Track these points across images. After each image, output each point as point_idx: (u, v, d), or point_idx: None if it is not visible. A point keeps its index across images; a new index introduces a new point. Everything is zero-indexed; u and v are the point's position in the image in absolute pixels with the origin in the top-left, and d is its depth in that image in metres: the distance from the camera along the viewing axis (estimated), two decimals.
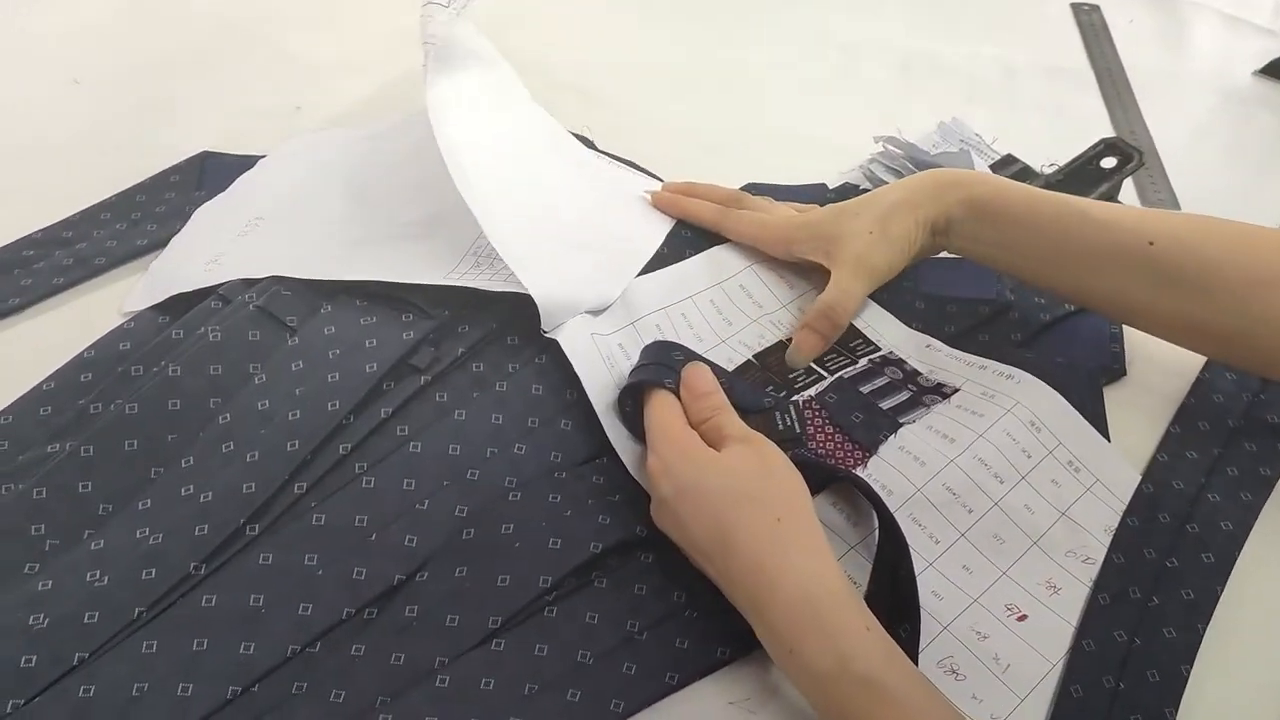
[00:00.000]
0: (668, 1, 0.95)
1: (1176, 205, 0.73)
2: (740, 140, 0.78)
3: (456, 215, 0.55)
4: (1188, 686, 0.45)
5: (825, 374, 0.56)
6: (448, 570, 0.46)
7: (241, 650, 0.42)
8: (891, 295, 0.61)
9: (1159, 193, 0.74)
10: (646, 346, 0.53)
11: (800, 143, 0.78)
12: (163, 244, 0.63)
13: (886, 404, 0.54)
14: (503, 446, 0.50)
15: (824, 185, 0.72)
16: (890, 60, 0.88)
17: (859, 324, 0.59)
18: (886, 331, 0.59)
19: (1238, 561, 0.50)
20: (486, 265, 0.56)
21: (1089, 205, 0.55)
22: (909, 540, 0.47)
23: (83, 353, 0.54)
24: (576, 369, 0.52)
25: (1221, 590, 0.48)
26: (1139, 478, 0.53)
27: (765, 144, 0.77)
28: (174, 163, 0.70)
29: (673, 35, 0.90)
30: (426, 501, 0.48)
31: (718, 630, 0.45)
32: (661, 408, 0.49)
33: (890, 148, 0.72)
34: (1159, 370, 0.59)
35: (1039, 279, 0.57)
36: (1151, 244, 0.51)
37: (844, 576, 0.42)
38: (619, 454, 0.50)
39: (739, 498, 0.44)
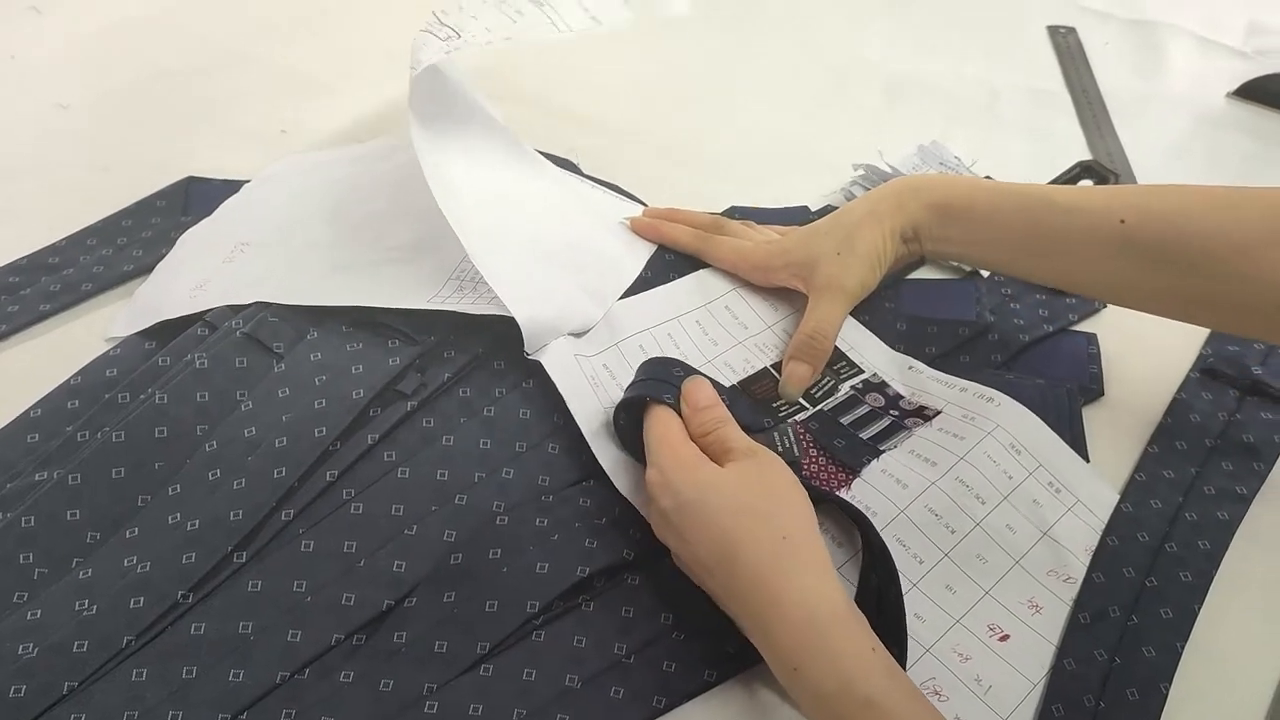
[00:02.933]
0: (654, 25, 0.95)
1: None
2: (726, 162, 0.78)
3: (440, 239, 0.56)
4: (1167, 704, 0.45)
5: (808, 405, 0.56)
6: (436, 596, 0.46)
7: (230, 678, 0.42)
8: (873, 317, 0.62)
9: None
10: (644, 363, 0.54)
11: (785, 164, 0.78)
12: (149, 270, 0.63)
13: (867, 433, 0.55)
14: (490, 471, 0.51)
15: (806, 208, 0.73)
16: (874, 82, 0.90)
17: (842, 346, 0.60)
18: (869, 353, 0.60)
19: (1215, 579, 0.51)
20: (470, 289, 0.56)
21: (1054, 191, 0.56)
22: (894, 560, 0.48)
23: (70, 380, 0.54)
24: (561, 390, 0.52)
25: (1199, 608, 0.49)
26: (1118, 497, 0.54)
27: (750, 165, 0.78)
28: (160, 187, 0.70)
29: (659, 58, 0.91)
30: (415, 527, 0.48)
31: (705, 653, 0.46)
32: (661, 422, 0.49)
33: (870, 172, 0.72)
34: (1136, 390, 0.60)
35: (1016, 270, 0.58)
36: (1122, 221, 0.52)
37: (847, 596, 0.43)
38: (608, 475, 0.51)
39: (744, 513, 0.44)
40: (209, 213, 0.67)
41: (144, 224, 0.67)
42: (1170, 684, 0.46)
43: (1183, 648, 0.48)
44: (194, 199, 0.70)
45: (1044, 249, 0.55)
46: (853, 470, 0.53)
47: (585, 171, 0.73)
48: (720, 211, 0.69)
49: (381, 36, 0.89)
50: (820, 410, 0.56)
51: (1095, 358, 0.62)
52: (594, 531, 0.48)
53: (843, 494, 0.51)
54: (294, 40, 0.89)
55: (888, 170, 0.71)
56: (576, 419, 0.52)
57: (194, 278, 0.60)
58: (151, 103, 0.80)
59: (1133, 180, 0.79)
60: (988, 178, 0.73)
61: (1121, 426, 0.58)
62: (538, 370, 0.54)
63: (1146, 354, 0.62)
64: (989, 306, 0.64)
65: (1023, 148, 0.82)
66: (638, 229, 0.65)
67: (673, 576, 0.47)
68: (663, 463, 0.47)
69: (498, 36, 0.56)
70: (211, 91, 0.82)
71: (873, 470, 0.53)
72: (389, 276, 0.58)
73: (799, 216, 0.72)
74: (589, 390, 0.53)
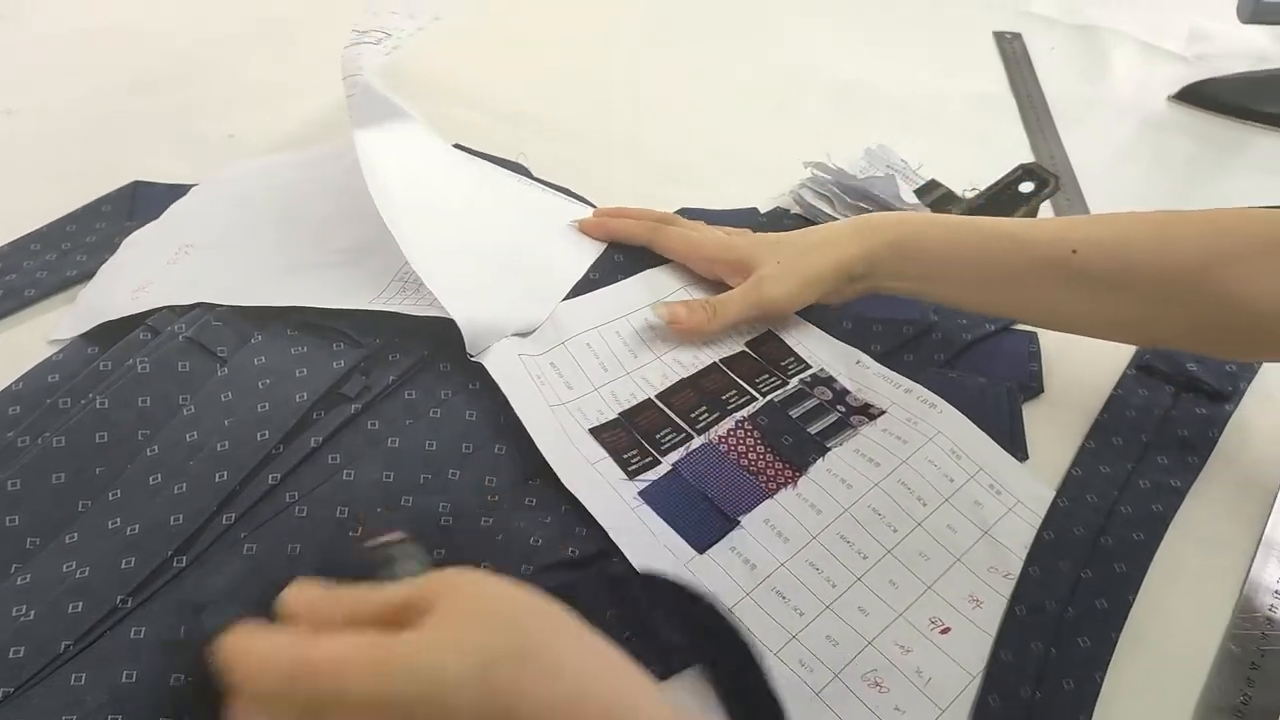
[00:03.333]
0: (606, 31, 0.96)
1: None
2: (677, 164, 0.79)
3: (384, 242, 0.56)
4: (1101, 694, 0.46)
5: (758, 395, 0.57)
6: None
7: (172, 682, 0.42)
8: (820, 316, 0.63)
9: (1077, 215, 0.77)
10: None
11: (736, 167, 0.79)
12: (93, 274, 0.63)
13: (815, 428, 0.56)
14: (436, 472, 0.51)
15: (756, 209, 0.74)
16: (824, 88, 0.91)
17: (791, 343, 0.61)
18: (817, 349, 0.61)
19: (1149, 570, 0.52)
20: (413, 291, 0.56)
21: (1010, 226, 0.57)
22: (838, 557, 0.49)
23: (10, 385, 0.54)
24: (504, 390, 0.53)
25: (1134, 599, 0.50)
26: (1053, 494, 0.55)
27: (701, 168, 0.79)
28: (105, 192, 0.69)
29: (610, 63, 0.92)
30: (359, 530, 0.48)
31: (649, 650, 0.46)
32: (248, 637, 0.33)
33: (819, 173, 0.73)
34: (1074, 387, 0.62)
35: (967, 304, 0.59)
36: (1074, 252, 0.54)
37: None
38: (555, 472, 0.51)
39: (500, 663, 0.31)
40: (155, 217, 0.67)
41: (88, 229, 0.66)
42: (1105, 673, 0.47)
43: (1117, 637, 0.48)
44: (140, 203, 0.69)
45: (997, 283, 0.56)
46: (799, 469, 0.53)
47: (535, 175, 0.73)
48: (672, 212, 0.70)
49: (328, 43, 0.88)
50: (770, 402, 0.57)
51: (1035, 356, 0.63)
52: (538, 530, 0.49)
53: (788, 491, 0.52)
54: (241, 47, 0.89)
55: (835, 170, 0.72)
56: (521, 418, 0.52)
57: (137, 279, 0.60)
58: (99, 109, 0.80)
59: (1074, 182, 0.80)
60: (933, 180, 0.75)
61: (1060, 422, 0.60)
62: (484, 372, 0.54)
63: (1085, 352, 0.63)
64: (933, 306, 0.65)
65: (968, 151, 0.83)
66: (586, 228, 0.66)
67: (617, 574, 0.48)
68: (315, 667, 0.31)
69: (426, 19, 0.56)
70: (159, 98, 0.81)
71: (819, 469, 0.54)
72: (333, 278, 0.58)
73: (749, 218, 0.72)
74: (534, 389, 0.54)
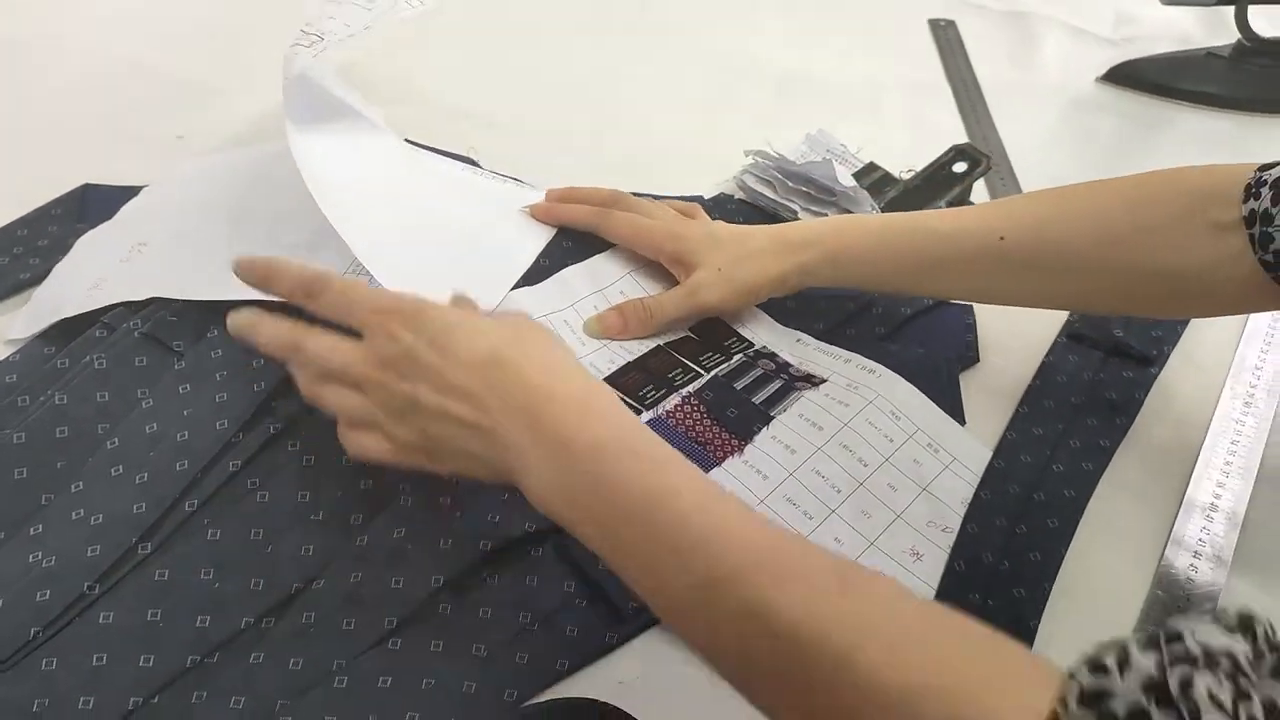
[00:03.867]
0: (550, 25, 0.98)
1: None
2: (622, 154, 0.81)
3: (336, 236, 0.57)
4: (1036, 640, 0.49)
5: (702, 372, 0.59)
6: (344, 576, 0.48)
7: (141, 663, 0.43)
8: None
9: (1009, 193, 0.80)
10: None
11: (680, 156, 0.81)
12: (46, 277, 0.63)
13: (759, 397, 0.58)
14: None
15: (701, 197, 0.76)
16: (765, 78, 0.93)
17: (735, 324, 0.63)
18: (758, 330, 0.63)
19: (1080, 525, 0.55)
20: (368, 281, 0.57)
21: (938, 221, 0.59)
22: (784, 519, 0.51)
23: None
24: None
25: (1065, 552, 0.53)
26: (990, 454, 0.57)
27: (647, 158, 0.81)
28: (55, 195, 0.70)
29: (554, 57, 0.93)
30: (321, 512, 0.50)
31: (606, 617, 0.48)
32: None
33: (760, 159, 0.76)
34: (1008, 357, 0.64)
35: (903, 290, 0.63)
36: (1002, 239, 0.56)
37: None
38: None
39: (511, 333, 0.44)
40: (106, 218, 0.67)
41: (40, 232, 0.67)
42: (1039, 621, 0.50)
43: (1050, 588, 0.51)
44: (90, 205, 0.70)
45: (931, 275, 0.59)
46: (745, 438, 0.56)
47: (485, 168, 0.75)
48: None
49: (273, 43, 0.89)
50: (714, 376, 0.59)
51: (971, 328, 0.66)
52: (496, 506, 0.50)
53: (735, 459, 0.54)
54: (187, 48, 0.89)
55: (776, 156, 0.74)
56: None
57: (91, 277, 0.60)
58: (46, 114, 0.80)
59: (1006, 161, 0.83)
60: (871, 163, 0.77)
61: (995, 389, 0.62)
62: None
63: (1018, 323, 0.66)
64: None
65: (905, 136, 0.86)
66: (537, 214, 0.67)
67: (575, 547, 0.49)
68: (384, 307, 0.45)
69: (358, 27, 0.58)
70: (106, 101, 0.82)
71: (764, 437, 0.56)
72: None
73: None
74: None
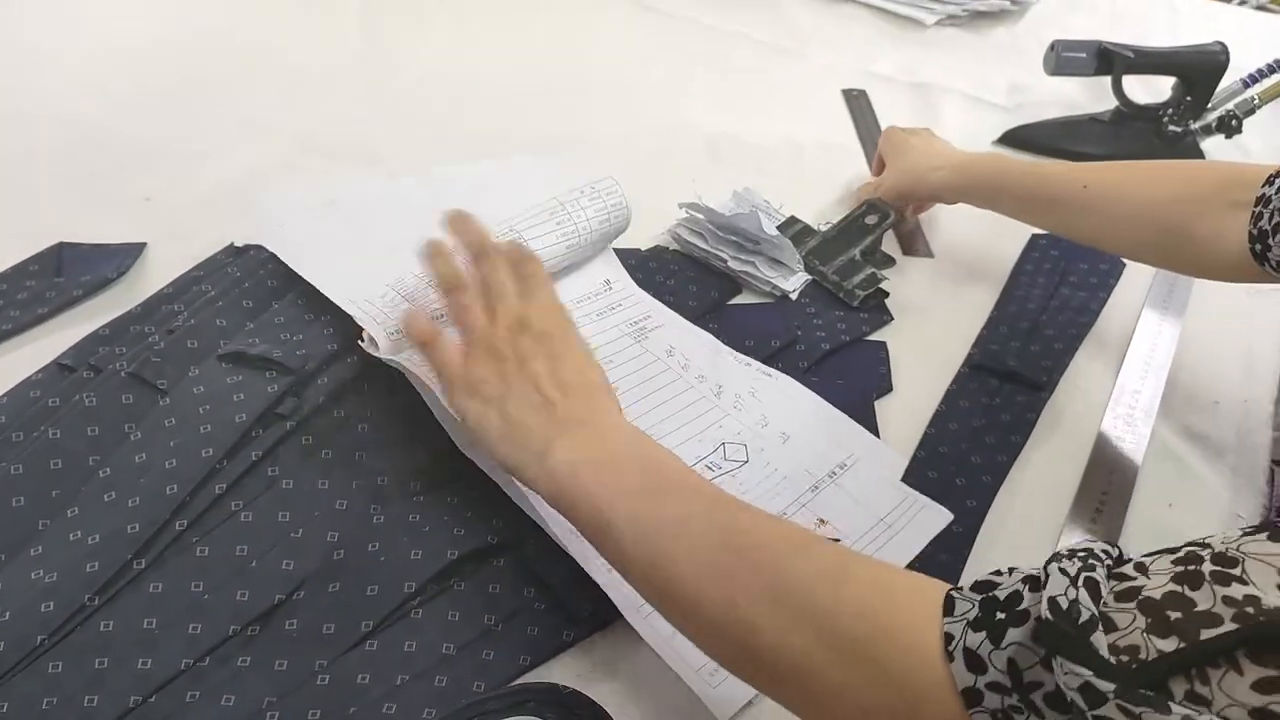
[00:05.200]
0: (491, 85, 1.05)
1: (930, 254, 0.87)
2: None
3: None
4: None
5: None
6: (322, 587, 0.52)
7: (139, 666, 0.47)
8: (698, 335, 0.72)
9: (915, 243, 0.88)
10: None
11: None
12: (27, 328, 0.67)
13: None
14: (366, 479, 0.57)
15: (638, 249, 0.82)
16: (697, 139, 1.01)
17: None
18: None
19: (980, 531, 0.61)
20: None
21: (1047, 165, 0.77)
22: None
23: None
24: (420, 391, 0.59)
25: (969, 553, 0.60)
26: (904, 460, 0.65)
27: None
28: (32, 253, 0.74)
29: (504, 116, 1.00)
30: (300, 530, 0.54)
31: (563, 617, 0.53)
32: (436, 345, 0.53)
33: (693, 213, 0.83)
34: (918, 385, 0.72)
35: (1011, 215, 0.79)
36: (1085, 187, 0.70)
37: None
38: (467, 454, 0.58)
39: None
40: (81, 274, 0.72)
41: (19, 287, 0.71)
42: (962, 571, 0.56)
43: (969, 552, 0.59)
44: (66, 262, 0.74)
45: (1029, 204, 0.76)
46: None
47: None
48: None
49: (234, 105, 0.95)
50: None
51: (885, 361, 0.73)
52: (461, 521, 0.56)
53: None
54: (151, 113, 0.94)
55: (706, 209, 0.81)
56: (434, 412, 0.59)
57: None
58: (18, 178, 0.84)
59: (915, 215, 0.92)
60: (793, 216, 0.85)
61: (907, 414, 0.69)
62: (407, 388, 0.61)
63: (927, 356, 0.74)
64: (796, 323, 0.75)
65: (821, 193, 0.94)
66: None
67: (534, 557, 0.55)
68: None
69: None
70: (77, 165, 0.86)
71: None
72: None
73: (631, 258, 0.81)
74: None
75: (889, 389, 0.71)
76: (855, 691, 0.37)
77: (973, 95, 1.15)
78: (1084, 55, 1.02)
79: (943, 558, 0.59)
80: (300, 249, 0.68)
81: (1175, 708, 0.29)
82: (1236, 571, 0.31)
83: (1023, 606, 0.34)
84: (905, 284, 0.81)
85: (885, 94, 1.13)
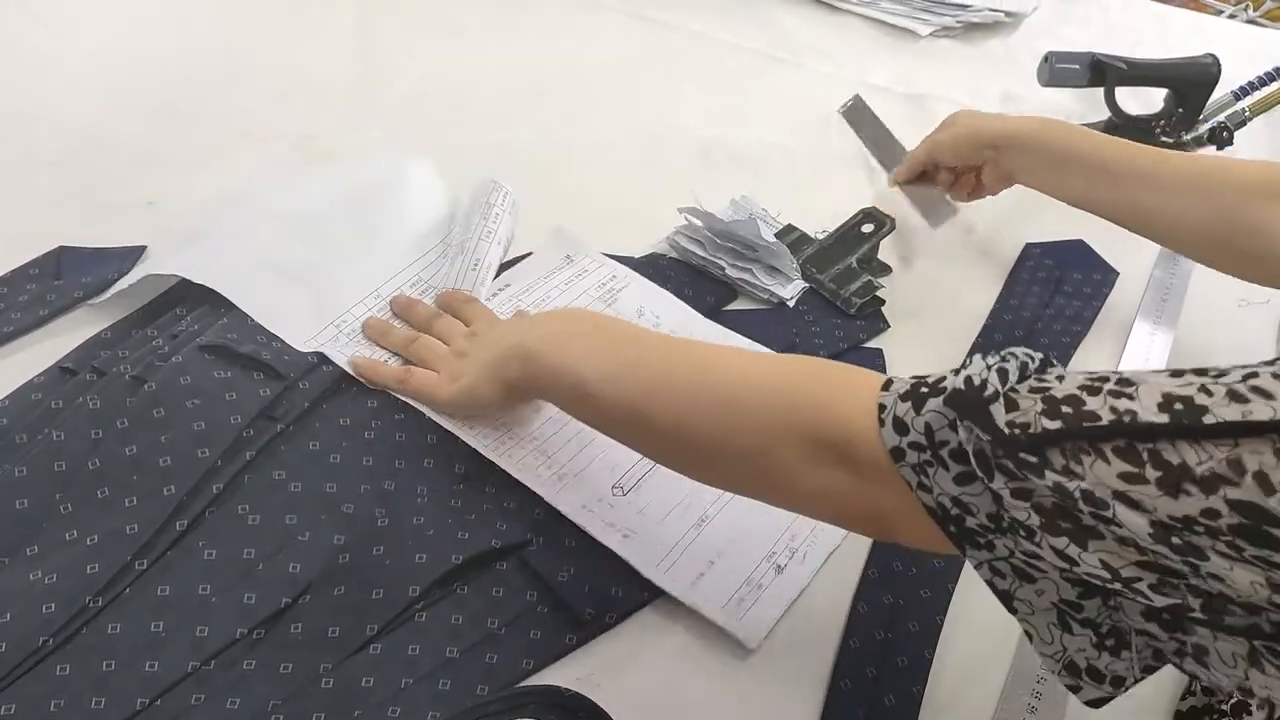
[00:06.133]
0: (483, 89, 1.05)
1: (955, 212, 0.90)
2: (559, 219, 0.87)
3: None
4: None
5: None
6: (328, 590, 0.53)
7: (147, 668, 0.48)
8: None
9: (912, 252, 0.89)
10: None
11: (614, 219, 0.88)
12: (28, 330, 0.68)
13: None
14: (373, 483, 0.58)
15: (632, 256, 0.83)
16: (691, 148, 1.01)
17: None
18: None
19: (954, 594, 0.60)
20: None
21: (1105, 139, 0.76)
22: None
23: None
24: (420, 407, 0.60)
25: (954, 587, 0.59)
26: None
27: (582, 222, 0.87)
28: (32, 257, 0.74)
29: (490, 120, 1.01)
30: (307, 534, 0.55)
31: (565, 621, 0.54)
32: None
33: (691, 219, 0.83)
34: None
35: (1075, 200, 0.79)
36: (1156, 163, 0.71)
37: None
38: (472, 446, 0.60)
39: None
40: (81, 277, 0.72)
41: (20, 290, 0.71)
42: (934, 649, 0.56)
43: (943, 620, 0.58)
44: (66, 266, 0.74)
45: (1090, 181, 0.75)
46: None
47: None
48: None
49: (236, 111, 0.95)
50: None
51: (881, 368, 0.74)
52: (464, 525, 0.56)
53: None
54: (153, 119, 0.94)
55: (705, 214, 0.82)
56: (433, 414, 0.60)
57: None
58: (20, 183, 0.84)
59: (906, 222, 0.92)
60: (789, 224, 0.85)
61: None
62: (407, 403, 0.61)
63: (923, 362, 0.73)
64: (794, 330, 0.76)
65: (817, 201, 0.94)
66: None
67: (538, 561, 0.55)
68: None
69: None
70: (79, 170, 0.86)
71: None
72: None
73: (630, 265, 0.81)
74: None
75: None
76: (810, 465, 0.45)
77: (967, 106, 1.15)
78: (1077, 67, 1.04)
79: (925, 591, 0.59)
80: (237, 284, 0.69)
81: (1049, 474, 0.35)
82: (1130, 390, 0.35)
83: (944, 385, 0.41)
84: (901, 292, 0.82)
85: (880, 104, 1.13)
